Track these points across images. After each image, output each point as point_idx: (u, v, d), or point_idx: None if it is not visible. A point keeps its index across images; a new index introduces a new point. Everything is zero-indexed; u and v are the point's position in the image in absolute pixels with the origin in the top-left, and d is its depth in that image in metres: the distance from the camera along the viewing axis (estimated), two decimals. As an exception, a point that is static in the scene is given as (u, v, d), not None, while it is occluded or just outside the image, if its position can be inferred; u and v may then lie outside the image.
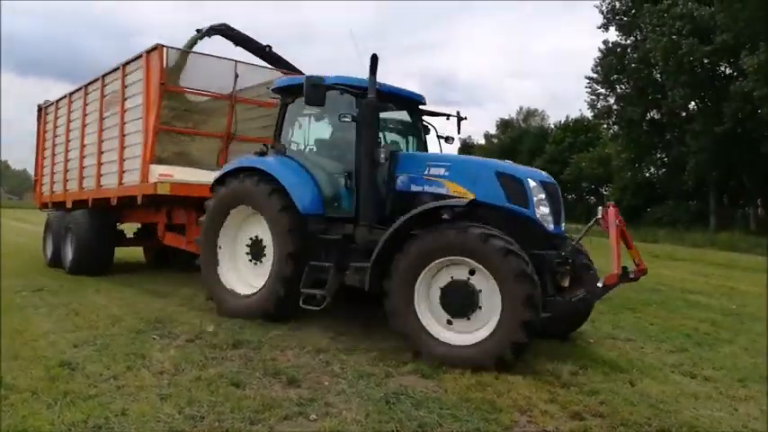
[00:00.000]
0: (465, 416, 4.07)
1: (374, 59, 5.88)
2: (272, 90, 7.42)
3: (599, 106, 36.50)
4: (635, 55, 31.05)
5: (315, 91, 6.08)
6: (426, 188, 6.07)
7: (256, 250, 7.00)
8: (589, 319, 7.19)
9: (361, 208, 6.15)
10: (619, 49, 33.33)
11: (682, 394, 4.66)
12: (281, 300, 6.45)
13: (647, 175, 37.68)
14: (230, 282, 7.06)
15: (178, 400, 4.18)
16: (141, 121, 8.91)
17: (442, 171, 6.03)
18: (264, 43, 10.90)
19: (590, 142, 50.64)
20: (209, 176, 8.21)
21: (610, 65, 33.32)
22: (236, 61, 9.21)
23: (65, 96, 12.05)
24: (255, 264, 7.01)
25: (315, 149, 7.23)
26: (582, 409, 4.26)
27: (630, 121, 32.72)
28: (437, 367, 5.10)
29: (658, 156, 36.07)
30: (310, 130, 7.42)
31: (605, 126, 40.84)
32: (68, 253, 10.89)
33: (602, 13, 32.86)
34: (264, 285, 6.65)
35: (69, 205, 11.40)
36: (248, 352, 5.48)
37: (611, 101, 35.52)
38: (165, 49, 8.67)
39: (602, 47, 34.31)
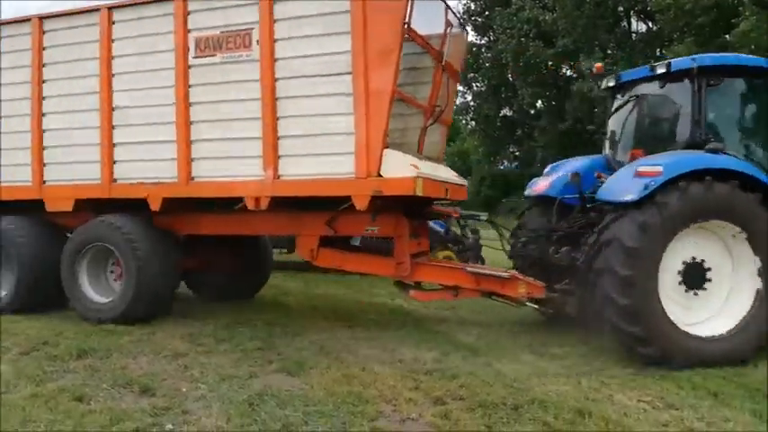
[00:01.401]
0: (331, 411, 4.02)
1: None
2: (698, 68, 5.65)
3: (458, 103, 38.46)
4: (489, 55, 32.94)
5: None
6: None
7: (695, 276, 5.36)
8: (449, 306, 7.56)
9: None
10: (474, 49, 35.19)
11: (533, 373, 4.97)
12: None
13: (502, 168, 40.42)
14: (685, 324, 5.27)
15: (8, 422, 3.69)
16: (349, 78, 5.56)
17: None
18: None
19: (450, 137, 53.21)
20: (436, 170, 6.31)
21: (467, 64, 35.12)
22: (446, 4, 6.43)
23: (13, 22, 7.11)
24: (695, 294, 5.39)
25: (750, 146, 5.91)
26: (444, 394, 4.38)
27: (486, 118, 34.73)
28: (302, 363, 5.03)
29: (511, 150, 38.75)
30: (733, 122, 6.04)
31: (464, 122, 43.01)
32: (97, 290, 6.76)
33: (459, 13, 34.64)
34: (744, 318, 5.29)
35: (67, 206, 6.78)
36: (95, 362, 5.01)
37: (469, 98, 37.49)
38: None
39: (460, 46, 36.08)
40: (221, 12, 6.01)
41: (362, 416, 3.96)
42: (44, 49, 6.83)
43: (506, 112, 36.09)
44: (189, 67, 6.12)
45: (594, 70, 7.69)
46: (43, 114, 6.83)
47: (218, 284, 8.09)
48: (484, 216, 7.08)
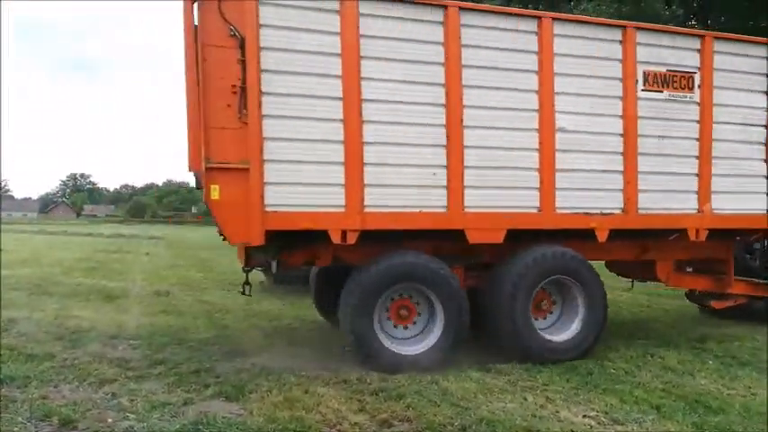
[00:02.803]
0: (271, 439, 3.82)
1: None
2: None
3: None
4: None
5: None
6: None
7: None
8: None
9: None
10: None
11: (479, 390, 4.91)
12: None
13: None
14: None
15: None
16: (763, 130, 6.86)
17: None
18: None
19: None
20: None
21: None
22: None
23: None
24: None
25: None
26: (390, 416, 4.26)
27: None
28: (242, 387, 4.78)
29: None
30: None
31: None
32: (544, 326, 6.27)
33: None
34: None
35: (496, 238, 5.87)
36: (10, 392, 4.60)
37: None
38: None
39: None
40: (668, 51, 6.42)
41: (305, 443, 3.78)
42: (463, 46, 5.74)
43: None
44: (638, 98, 6.27)
45: None
46: (464, 127, 5.75)
47: None
48: None
